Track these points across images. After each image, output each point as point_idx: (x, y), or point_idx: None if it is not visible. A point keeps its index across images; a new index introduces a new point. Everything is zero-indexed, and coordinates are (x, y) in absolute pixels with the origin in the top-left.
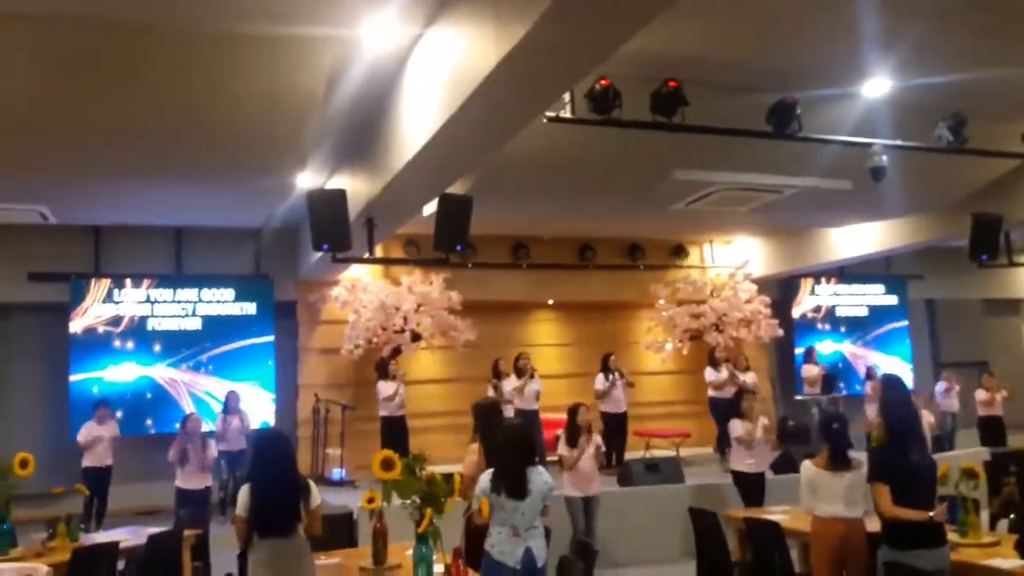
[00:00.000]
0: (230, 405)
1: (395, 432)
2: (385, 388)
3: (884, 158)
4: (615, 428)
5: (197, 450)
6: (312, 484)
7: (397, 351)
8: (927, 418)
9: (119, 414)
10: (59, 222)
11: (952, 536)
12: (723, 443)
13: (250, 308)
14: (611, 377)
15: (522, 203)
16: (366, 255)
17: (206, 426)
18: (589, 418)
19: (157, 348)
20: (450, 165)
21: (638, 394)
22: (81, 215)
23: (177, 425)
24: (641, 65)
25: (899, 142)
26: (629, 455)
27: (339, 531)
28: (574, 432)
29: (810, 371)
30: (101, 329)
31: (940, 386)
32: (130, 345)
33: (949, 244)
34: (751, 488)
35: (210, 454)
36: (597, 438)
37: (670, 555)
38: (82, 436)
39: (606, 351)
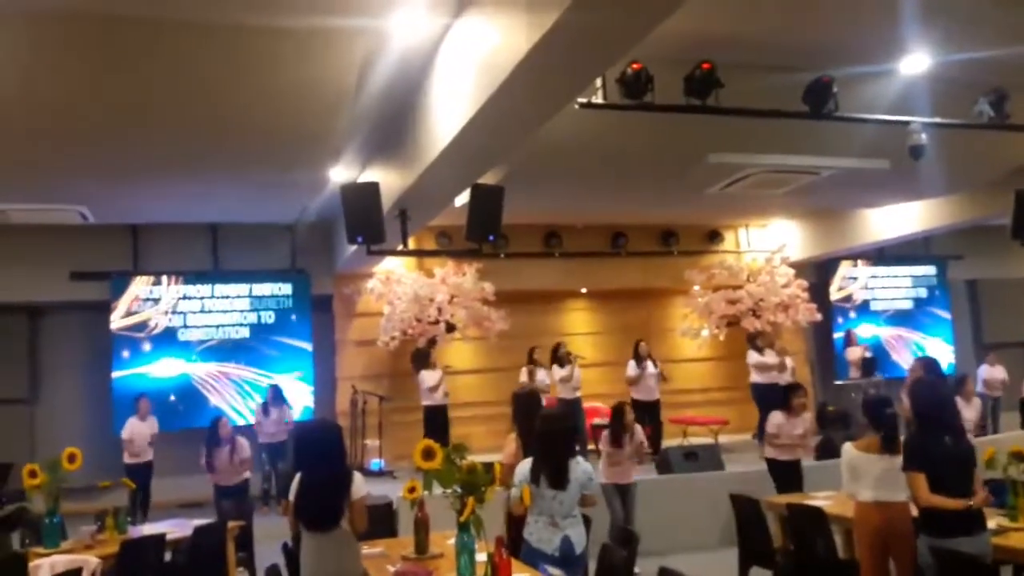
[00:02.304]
0: (272, 397)
1: (437, 422)
2: (429, 378)
3: (923, 136)
4: (646, 416)
5: (224, 456)
6: (358, 475)
7: (432, 342)
8: (975, 410)
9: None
10: (98, 222)
11: (1001, 520)
12: (763, 429)
13: (287, 302)
14: (642, 364)
15: (554, 191)
16: (400, 247)
17: (242, 420)
18: (633, 418)
19: (196, 344)
20: (482, 155)
21: (675, 381)
22: (119, 214)
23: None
24: (673, 47)
25: (938, 119)
26: (667, 443)
27: (379, 521)
28: (619, 432)
29: (853, 353)
30: (141, 326)
31: (983, 369)
32: (169, 341)
33: (990, 223)
34: (786, 475)
35: (239, 456)
36: (640, 436)
37: (710, 543)
38: (125, 432)
39: (637, 338)
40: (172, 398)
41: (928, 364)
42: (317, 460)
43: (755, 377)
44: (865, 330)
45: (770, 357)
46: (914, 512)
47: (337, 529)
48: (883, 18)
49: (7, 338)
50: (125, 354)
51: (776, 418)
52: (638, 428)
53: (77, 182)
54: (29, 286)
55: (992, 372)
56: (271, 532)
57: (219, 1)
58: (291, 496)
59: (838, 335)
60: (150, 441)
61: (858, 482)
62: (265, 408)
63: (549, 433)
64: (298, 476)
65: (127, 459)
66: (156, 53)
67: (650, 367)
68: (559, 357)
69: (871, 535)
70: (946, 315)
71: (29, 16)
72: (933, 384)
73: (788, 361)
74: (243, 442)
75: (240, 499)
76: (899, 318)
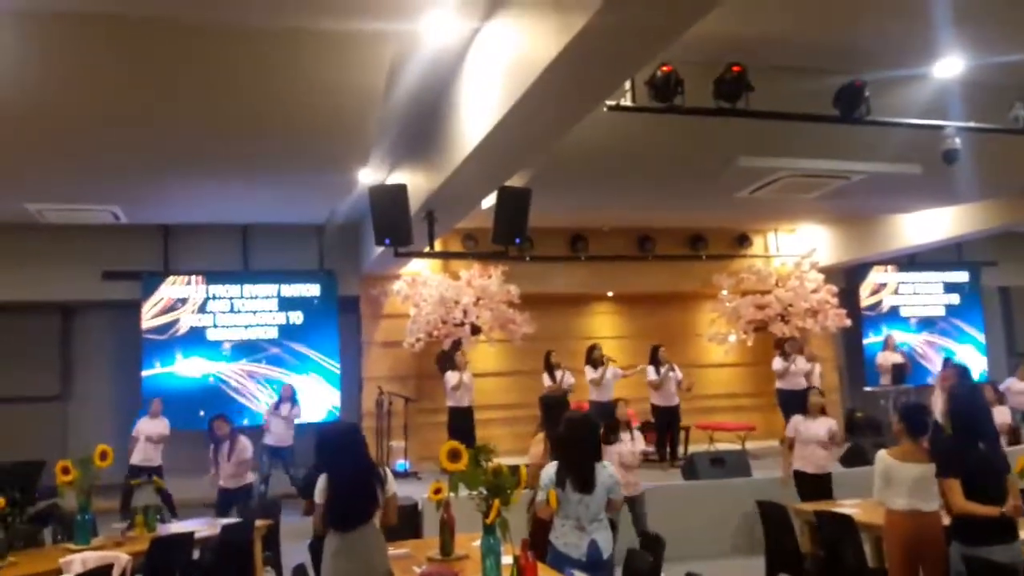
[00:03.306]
0: (282, 397)
1: (459, 424)
2: (451, 378)
3: (957, 141)
4: (666, 422)
5: (223, 453)
6: (389, 472)
7: (457, 344)
8: (1004, 415)
9: (201, 410)
10: (130, 222)
11: None
12: None
13: (314, 303)
14: (662, 369)
15: (581, 194)
16: (426, 249)
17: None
18: (626, 412)
19: (225, 344)
20: (510, 158)
21: (702, 387)
22: (151, 214)
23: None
24: (703, 50)
25: (972, 124)
26: (693, 448)
27: (404, 522)
28: (613, 427)
29: (885, 357)
30: (171, 326)
31: (1009, 381)
32: (198, 341)
33: None
34: (812, 488)
35: (239, 456)
36: (639, 440)
37: (737, 549)
38: (134, 430)
39: (657, 343)
40: (199, 397)
41: (961, 371)
42: (345, 460)
43: (779, 383)
44: (896, 336)
45: (800, 363)
46: (945, 521)
47: (366, 526)
48: (916, 21)
49: (40, 336)
50: (155, 353)
51: (795, 420)
52: (638, 433)
53: (110, 183)
54: (62, 285)
55: (1021, 386)
56: (297, 533)
57: (251, 3)
58: (317, 497)
59: (868, 341)
60: (156, 440)
61: (891, 490)
62: (277, 405)
63: (573, 438)
64: (324, 478)
65: (132, 459)
66: (189, 55)
67: (670, 373)
68: (593, 359)
69: (902, 543)
70: (978, 323)
71: (63, 18)
72: (970, 390)
73: (816, 367)
74: (244, 443)
75: (243, 504)
76: (930, 324)
